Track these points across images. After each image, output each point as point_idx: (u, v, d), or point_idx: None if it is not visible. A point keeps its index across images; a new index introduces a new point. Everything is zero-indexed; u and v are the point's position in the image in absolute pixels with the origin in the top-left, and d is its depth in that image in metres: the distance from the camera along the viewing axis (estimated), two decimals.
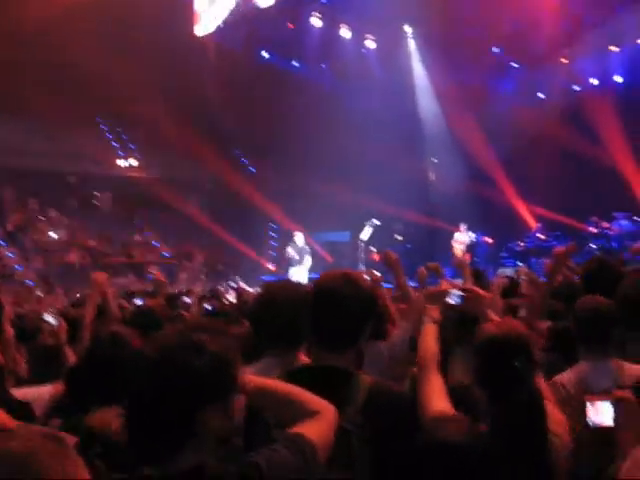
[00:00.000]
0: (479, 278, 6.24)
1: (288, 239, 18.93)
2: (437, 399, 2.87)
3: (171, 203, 23.69)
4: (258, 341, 3.32)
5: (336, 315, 2.69)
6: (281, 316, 3.17)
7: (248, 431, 2.54)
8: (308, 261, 17.39)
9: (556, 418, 2.95)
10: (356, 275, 2.84)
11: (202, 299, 8.61)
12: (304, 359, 3.14)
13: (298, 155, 22.15)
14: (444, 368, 3.14)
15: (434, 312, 3.37)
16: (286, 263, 18.37)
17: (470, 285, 4.23)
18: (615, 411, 3.14)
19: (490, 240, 20.54)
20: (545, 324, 4.90)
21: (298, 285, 3.40)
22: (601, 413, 3.16)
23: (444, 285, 3.55)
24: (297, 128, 20.90)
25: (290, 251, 17.48)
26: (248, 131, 23.34)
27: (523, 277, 7.36)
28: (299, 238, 17.74)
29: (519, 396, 2.61)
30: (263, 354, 3.28)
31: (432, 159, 23.65)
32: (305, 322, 2.80)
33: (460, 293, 3.48)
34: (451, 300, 3.46)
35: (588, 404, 3.26)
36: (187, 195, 25.34)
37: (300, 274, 17.11)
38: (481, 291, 3.63)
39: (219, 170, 23.77)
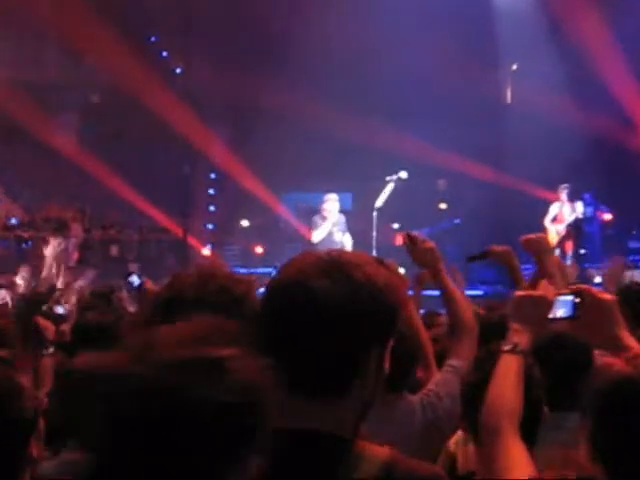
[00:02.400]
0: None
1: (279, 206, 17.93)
2: None
3: (28, 128, 18.42)
4: None
5: (309, 334, 1.79)
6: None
7: None
8: (347, 242, 14.28)
9: None
10: (353, 262, 1.83)
11: (86, 307, 6.35)
12: None
13: (268, 49, 17.58)
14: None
15: (520, 336, 2.46)
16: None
17: (584, 286, 2.79)
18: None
19: (609, 217, 16.29)
20: None
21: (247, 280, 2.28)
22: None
23: (544, 288, 2.58)
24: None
25: (319, 224, 14.32)
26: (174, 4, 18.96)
27: None
28: (332, 203, 14.42)
29: None
30: None
31: (511, 67, 18.06)
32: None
33: (573, 299, 2.50)
34: (558, 312, 2.53)
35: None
36: (58, 113, 20.08)
37: None
38: (607, 295, 2.60)
39: (118, 69, 18.43)
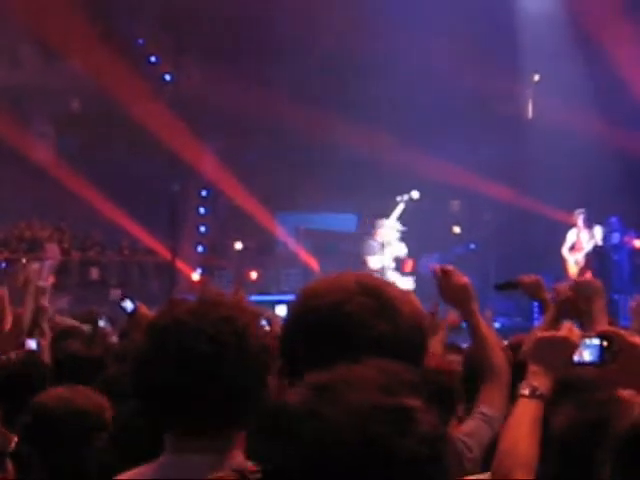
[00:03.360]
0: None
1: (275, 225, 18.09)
2: None
3: (0, 136, 18.06)
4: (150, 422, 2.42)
5: None
6: (190, 370, 2.18)
7: None
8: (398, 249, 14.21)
9: None
10: (397, 293, 1.93)
11: (62, 335, 6.05)
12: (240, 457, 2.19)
13: (267, 56, 17.70)
14: None
15: (539, 379, 2.45)
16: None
17: (612, 328, 2.81)
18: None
19: (639, 242, 15.66)
20: None
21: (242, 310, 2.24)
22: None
23: (568, 330, 2.54)
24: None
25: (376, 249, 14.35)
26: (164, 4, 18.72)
27: None
28: (389, 227, 14.26)
29: None
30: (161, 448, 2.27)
31: (533, 76, 17.62)
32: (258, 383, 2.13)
33: (600, 343, 2.47)
34: (585, 355, 2.51)
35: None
36: (34, 121, 20.26)
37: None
38: (635, 337, 2.55)
39: (102, 73, 18.22)
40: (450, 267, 3.67)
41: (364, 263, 14.27)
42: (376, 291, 1.87)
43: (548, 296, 4.63)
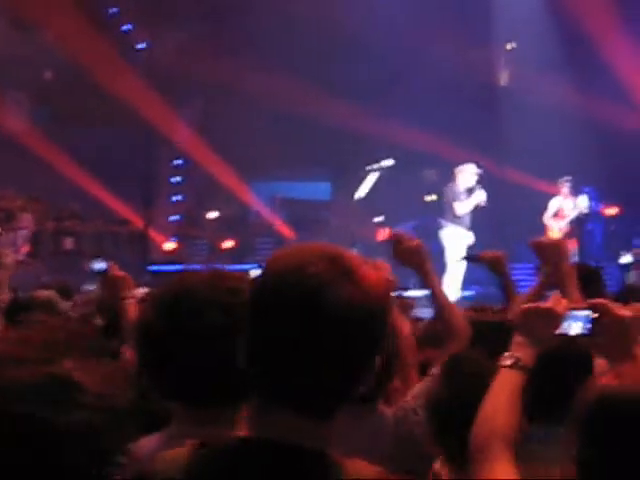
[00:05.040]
0: (590, 284, 4.49)
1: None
2: None
3: None
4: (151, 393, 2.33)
5: (315, 341, 1.75)
6: (202, 340, 2.19)
7: None
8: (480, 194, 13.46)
9: None
10: (354, 260, 1.80)
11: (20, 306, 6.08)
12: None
13: (241, 25, 17.15)
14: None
15: (523, 350, 2.44)
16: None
17: (601, 301, 2.70)
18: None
19: (614, 211, 15.77)
20: None
21: (240, 279, 2.31)
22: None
23: (555, 301, 2.54)
24: None
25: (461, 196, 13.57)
26: None
27: None
28: (466, 172, 13.56)
29: None
30: (168, 421, 2.31)
31: (507, 45, 17.28)
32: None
33: (588, 315, 2.47)
34: (572, 328, 2.49)
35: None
36: (7, 92, 18.94)
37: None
38: (624, 311, 2.55)
39: (75, 43, 17.38)
40: (400, 231, 3.88)
41: (450, 209, 13.72)
42: (339, 257, 1.80)
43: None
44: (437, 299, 3.63)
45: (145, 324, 2.30)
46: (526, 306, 2.54)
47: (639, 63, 15.38)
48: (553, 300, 2.57)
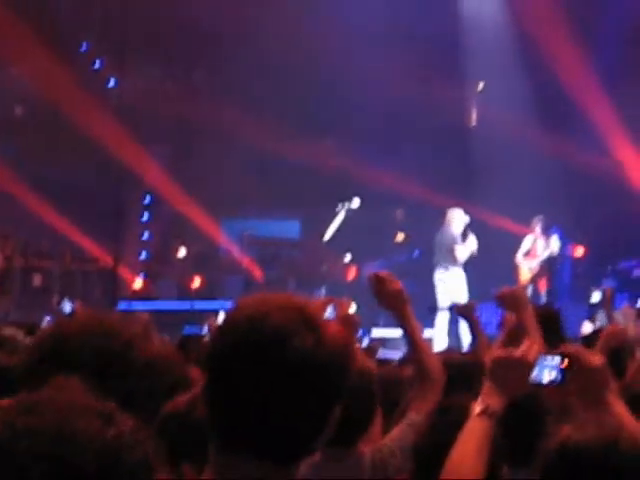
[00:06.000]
0: (548, 327, 4.43)
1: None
2: None
3: None
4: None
5: (281, 392, 1.78)
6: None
7: None
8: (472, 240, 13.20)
9: None
10: (314, 309, 1.85)
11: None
12: None
13: (212, 64, 17.77)
14: None
15: (493, 398, 2.40)
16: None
17: (573, 347, 2.87)
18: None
19: (581, 252, 16.04)
20: None
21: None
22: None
23: (528, 348, 2.48)
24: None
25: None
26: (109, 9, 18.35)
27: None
28: (457, 217, 13.30)
29: None
30: None
31: (477, 85, 17.50)
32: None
33: (559, 363, 2.52)
34: (544, 376, 2.52)
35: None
36: None
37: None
38: (596, 358, 2.64)
39: (44, 79, 17.61)
40: (384, 273, 3.77)
41: (451, 252, 13.31)
42: (301, 307, 1.81)
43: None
44: (414, 342, 3.60)
45: (29, 371, 2.20)
46: (497, 355, 2.53)
47: (608, 105, 15.39)
48: (525, 346, 2.52)
